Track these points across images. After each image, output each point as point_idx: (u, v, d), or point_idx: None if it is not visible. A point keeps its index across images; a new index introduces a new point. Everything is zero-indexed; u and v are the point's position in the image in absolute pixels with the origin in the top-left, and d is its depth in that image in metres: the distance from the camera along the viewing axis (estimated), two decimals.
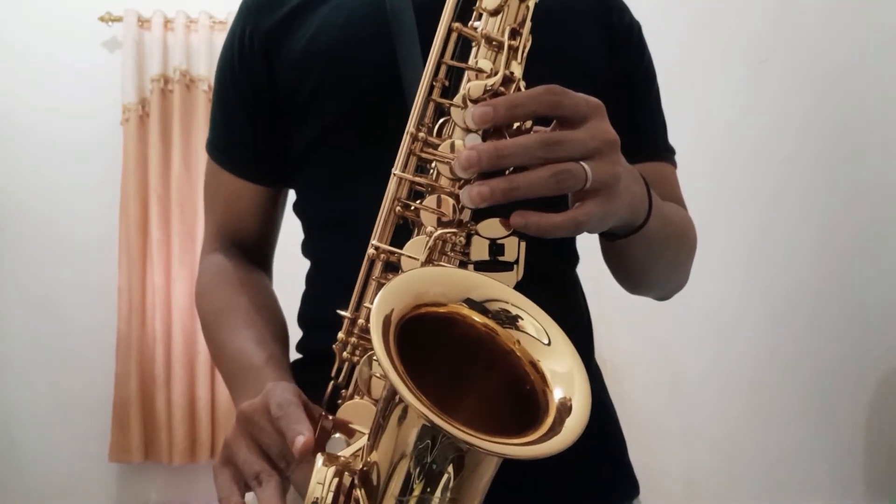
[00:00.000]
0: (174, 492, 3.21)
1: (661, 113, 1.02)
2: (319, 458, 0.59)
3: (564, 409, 0.53)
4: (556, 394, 0.55)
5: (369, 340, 0.64)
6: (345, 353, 0.69)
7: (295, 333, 0.98)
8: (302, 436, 0.61)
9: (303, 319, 0.98)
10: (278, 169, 0.97)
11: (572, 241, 0.95)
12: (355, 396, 0.68)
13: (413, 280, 0.58)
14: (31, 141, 3.15)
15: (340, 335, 0.70)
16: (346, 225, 0.89)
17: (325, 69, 0.88)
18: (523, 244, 0.65)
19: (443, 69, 0.68)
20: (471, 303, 0.58)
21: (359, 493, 0.58)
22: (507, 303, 0.58)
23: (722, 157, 3.04)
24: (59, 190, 3.15)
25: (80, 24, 3.14)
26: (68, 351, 3.16)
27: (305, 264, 1.00)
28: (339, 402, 0.69)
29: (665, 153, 1.01)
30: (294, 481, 0.65)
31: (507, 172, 0.61)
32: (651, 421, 2.95)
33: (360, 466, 0.59)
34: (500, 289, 0.60)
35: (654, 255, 0.85)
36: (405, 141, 0.68)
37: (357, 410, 0.66)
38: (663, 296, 1.00)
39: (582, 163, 0.60)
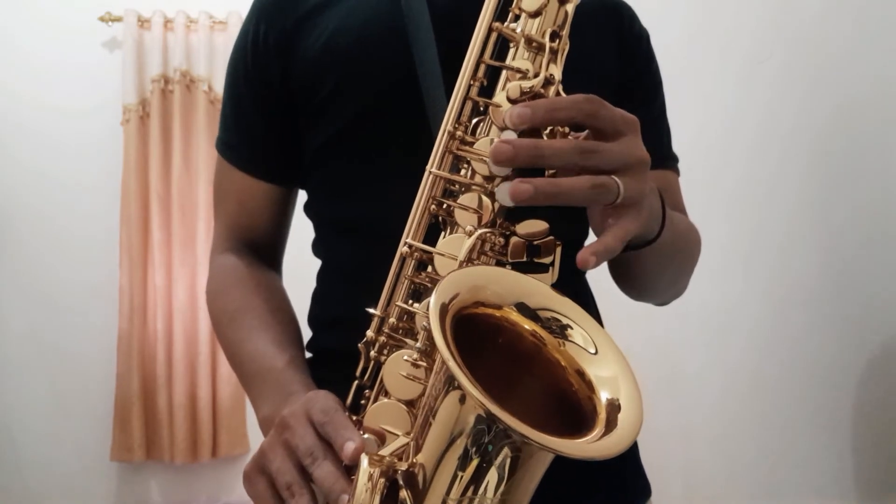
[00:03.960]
0: (175, 491, 3.21)
1: (666, 121, 1.03)
2: (365, 459, 0.59)
3: (613, 409, 0.54)
4: (603, 396, 0.56)
5: (398, 340, 0.65)
6: (372, 353, 0.69)
7: (304, 333, 0.97)
8: (352, 441, 0.61)
9: (314, 320, 0.98)
10: (290, 168, 0.97)
11: (581, 243, 0.96)
12: (380, 397, 0.67)
13: (473, 275, 0.59)
14: (32, 141, 3.15)
15: (370, 333, 0.69)
16: (359, 225, 0.89)
17: (342, 71, 0.88)
18: (559, 247, 0.65)
19: (481, 68, 0.69)
20: (523, 308, 0.59)
21: (405, 493, 0.58)
22: (558, 312, 0.59)
23: (720, 155, 3.05)
24: (59, 190, 3.15)
25: (81, 24, 3.14)
26: (69, 351, 3.16)
27: (312, 264, 1.00)
28: (363, 402, 0.69)
29: (669, 161, 1.02)
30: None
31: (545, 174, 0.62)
32: (650, 420, 2.95)
33: (405, 466, 0.59)
34: (553, 297, 0.60)
35: (661, 266, 0.87)
36: (441, 139, 0.68)
37: (387, 411, 0.65)
38: (663, 302, 1.01)
39: (614, 177, 0.61)
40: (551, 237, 0.64)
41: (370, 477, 0.57)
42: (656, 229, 0.74)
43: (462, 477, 0.55)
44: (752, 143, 3.10)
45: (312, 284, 1.00)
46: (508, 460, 0.54)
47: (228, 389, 3.17)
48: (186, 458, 3.12)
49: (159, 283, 3.12)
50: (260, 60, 0.93)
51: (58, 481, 3.14)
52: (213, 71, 3.18)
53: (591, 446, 0.52)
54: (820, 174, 2.97)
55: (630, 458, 0.96)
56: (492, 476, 0.54)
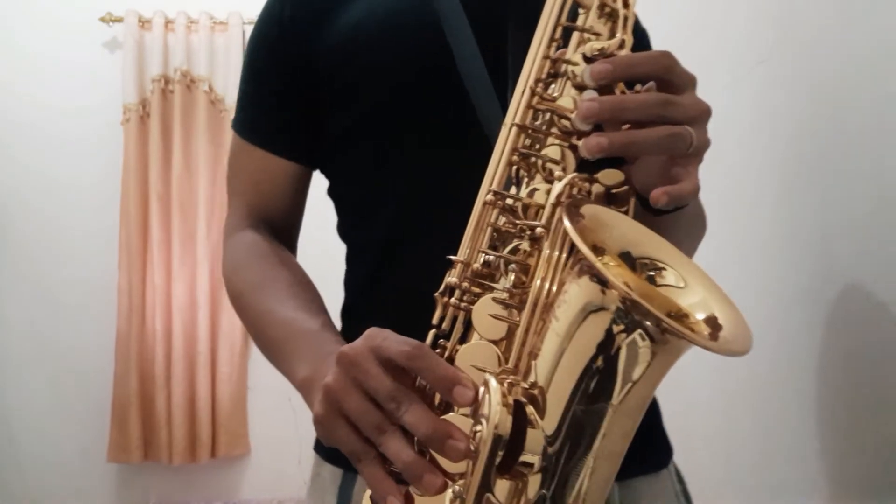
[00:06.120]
0: (174, 492, 3.20)
1: None
2: (492, 379, 0.57)
3: (714, 324, 0.57)
4: (699, 317, 0.58)
5: (482, 286, 0.66)
6: (452, 300, 0.67)
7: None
8: (464, 386, 0.59)
9: (350, 309, 0.97)
10: (309, 147, 0.97)
11: None
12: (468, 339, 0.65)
13: (594, 210, 0.61)
14: (32, 141, 3.15)
15: (452, 279, 0.67)
16: (387, 206, 0.90)
17: (372, 55, 0.88)
18: (633, 199, 0.68)
19: (558, 30, 0.71)
20: (626, 257, 0.61)
21: (530, 409, 0.57)
22: (656, 258, 0.61)
23: (718, 155, 3.09)
24: (59, 189, 3.16)
25: (81, 25, 3.15)
26: (68, 350, 3.15)
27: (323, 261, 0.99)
28: (437, 351, 0.65)
29: None
30: None
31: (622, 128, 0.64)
32: None
33: (527, 384, 0.59)
34: (653, 243, 0.62)
35: (683, 234, 0.88)
36: (523, 94, 0.70)
37: (478, 351, 0.63)
38: None
39: (686, 127, 0.63)
40: (627, 187, 0.67)
41: (503, 395, 0.55)
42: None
43: (584, 385, 0.56)
44: (754, 143, 3.13)
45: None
46: (633, 365, 0.55)
47: (228, 390, 3.17)
48: (185, 459, 3.12)
49: (158, 282, 3.12)
50: (284, 44, 0.94)
51: (56, 482, 3.12)
52: (214, 71, 3.20)
53: (726, 344, 0.55)
54: (816, 173, 3.01)
55: (655, 421, 0.98)
56: (617, 382, 0.55)
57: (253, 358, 3.25)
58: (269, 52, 0.96)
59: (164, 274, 3.14)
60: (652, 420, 0.98)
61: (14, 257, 3.14)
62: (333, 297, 0.95)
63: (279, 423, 3.22)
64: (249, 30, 3.17)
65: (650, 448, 0.95)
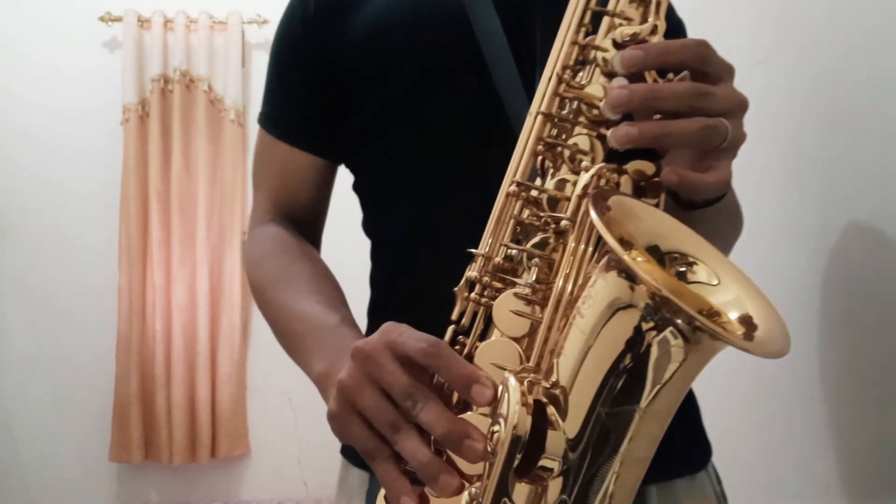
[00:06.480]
0: (174, 491, 3.20)
1: None
2: (511, 377, 0.54)
3: (749, 324, 0.55)
4: (732, 316, 0.55)
5: (503, 281, 0.64)
6: (472, 295, 0.64)
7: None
8: (483, 385, 0.57)
9: (375, 306, 0.96)
10: (334, 141, 0.97)
11: None
12: (488, 336, 0.63)
13: (622, 201, 0.59)
14: (31, 141, 3.14)
15: (473, 274, 0.65)
16: (410, 199, 0.89)
17: (396, 45, 0.87)
18: (663, 193, 0.64)
19: (587, 15, 0.68)
20: (654, 250, 0.58)
21: (551, 410, 0.54)
22: (686, 252, 0.58)
23: None
24: (58, 189, 3.15)
25: (80, 25, 3.14)
26: (69, 351, 3.14)
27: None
28: (456, 347, 0.64)
29: None
30: None
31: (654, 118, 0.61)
32: None
33: (548, 384, 0.56)
34: (684, 236, 0.59)
35: (716, 233, 0.87)
36: (550, 82, 0.67)
37: (498, 348, 0.61)
38: None
39: (722, 119, 0.60)
40: (657, 179, 0.63)
41: (522, 395, 0.53)
42: (726, 189, 0.71)
43: (609, 385, 0.53)
44: (757, 141, 3.13)
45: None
46: (664, 362, 0.52)
47: (228, 390, 3.17)
48: (185, 459, 3.11)
49: (158, 282, 3.11)
50: (308, 36, 0.93)
51: (57, 482, 3.12)
52: (213, 71, 3.19)
53: (762, 344, 0.53)
54: (818, 173, 3.00)
55: (694, 419, 0.96)
56: (642, 382, 0.53)
57: (252, 358, 3.24)
58: (293, 48, 0.95)
59: (164, 274, 3.13)
60: (692, 418, 0.96)
61: (14, 258, 3.13)
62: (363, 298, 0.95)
63: (279, 423, 3.22)
64: (249, 29, 3.20)
65: (691, 448, 0.94)
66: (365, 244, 0.98)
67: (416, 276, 0.88)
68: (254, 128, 3.19)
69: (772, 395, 3.23)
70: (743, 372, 3.24)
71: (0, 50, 3.13)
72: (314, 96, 0.95)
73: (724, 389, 3.28)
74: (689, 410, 0.96)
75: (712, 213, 0.70)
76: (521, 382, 0.55)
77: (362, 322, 0.87)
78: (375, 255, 0.97)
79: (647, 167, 0.63)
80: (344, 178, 1.02)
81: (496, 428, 0.53)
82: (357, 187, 0.98)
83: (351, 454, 0.94)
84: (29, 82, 3.13)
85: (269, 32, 3.26)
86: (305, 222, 1.01)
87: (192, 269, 3.15)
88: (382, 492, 0.63)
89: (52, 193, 3.14)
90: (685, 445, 0.91)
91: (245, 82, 3.22)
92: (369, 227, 0.98)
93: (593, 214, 0.53)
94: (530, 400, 0.53)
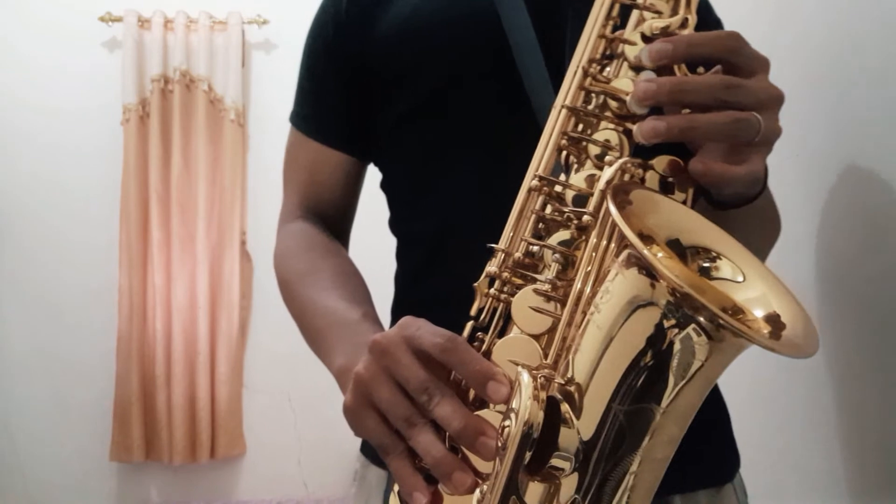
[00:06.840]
0: (174, 491, 3.19)
1: None
2: (524, 373, 0.53)
3: (776, 323, 0.53)
4: (758, 314, 0.54)
5: (524, 276, 0.62)
6: (492, 290, 0.63)
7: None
8: (498, 382, 0.56)
9: (398, 304, 0.97)
10: (364, 140, 0.97)
11: None
12: (507, 332, 0.62)
13: (643, 195, 0.57)
14: (31, 141, 3.13)
15: (492, 269, 0.64)
16: (436, 196, 0.89)
17: (426, 41, 0.87)
18: (691, 189, 0.63)
19: (615, 8, 0.67)
20: (675, 245, 0.56)
21: (565, 407, 0.53)
22: (709, 247, 0.57)
23: None
24: (58, 189, 3.14)
25: (80, 25, 3.14)
26: (69, 351, 3.14)
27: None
28: (475, 343, 0.63)
29: None
30: None
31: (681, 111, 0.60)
32: None
33: (563, 380, 0.55)
34: (707, 232, 0.58)
35: (747, 237, 0.86)
36: (575, 75, 0.66)
37: (517, 345, 0.60)
38: None
39: (754, 113, 0.58)
40: (686, 174, 0.62)
41: (535, 390, 0.51)
42: (759, 185, 0.68)
43: (627, 383, 0.52)
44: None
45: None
46: (685, 360, 0.51)
47: (227, 390, 3.16)
48: (185, 459, 3.11)
49: (158, 282, 3.11)
50: (341, 34, 0.94)
51: (57, 481, 3.11)
52: (213, 71, 3.19)
53: (789, 344, 0.51)
54: (819, 173, 3.01)
55: (723, 427, 0.94)
56: (663, 380, 0.51)
57: (249, 358, 3.24)
58: (326, 47, 0.96)
59: (164, 274, 3.13)
60: (720, 425, 0.93)
61: (14, 258, 3.12)
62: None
63: (279, 423, 3.22)
64: (249, 29, 3.20)
65: (718, 458, 0.91)
66: (391, 244, 0.99)
67: (442, 273, 0.88)
68: (254, 127, 3.21)
69: (772, 396, 3.24)
70: (742, 373, 3.23)
71: (0, 50, 3.12)
72: (346, 94, 0.95)
73: (723, 390, 3.27)
74: (717, 416, 0.95)
75: (744, 215, 0.68)
76: (535, 378, 0.53)
77: (386, 321, 0.87)
78: (401, 252, 0.98)
79: (674, 163, 0.62)
80: (372, 177, 1.02)
81: (507, 423, 0.52)
82: (385, 185, 0.99)
83: (370, 452, 0.94)
84: (29, 82, 3.12)
85: (269, 32, 3.26)
86: (334, 220, 1.02)
87: (192, 270, 3.15)
88: (396, 488, 0.62)
89: (52, 193, 3.14)
90: (712, 454, 0.89)
91: (245, 82, 3.22)
92: (397, 224, 0.98)
93: (611, 207, 0.52)
94: (543, 396, 0.52)
